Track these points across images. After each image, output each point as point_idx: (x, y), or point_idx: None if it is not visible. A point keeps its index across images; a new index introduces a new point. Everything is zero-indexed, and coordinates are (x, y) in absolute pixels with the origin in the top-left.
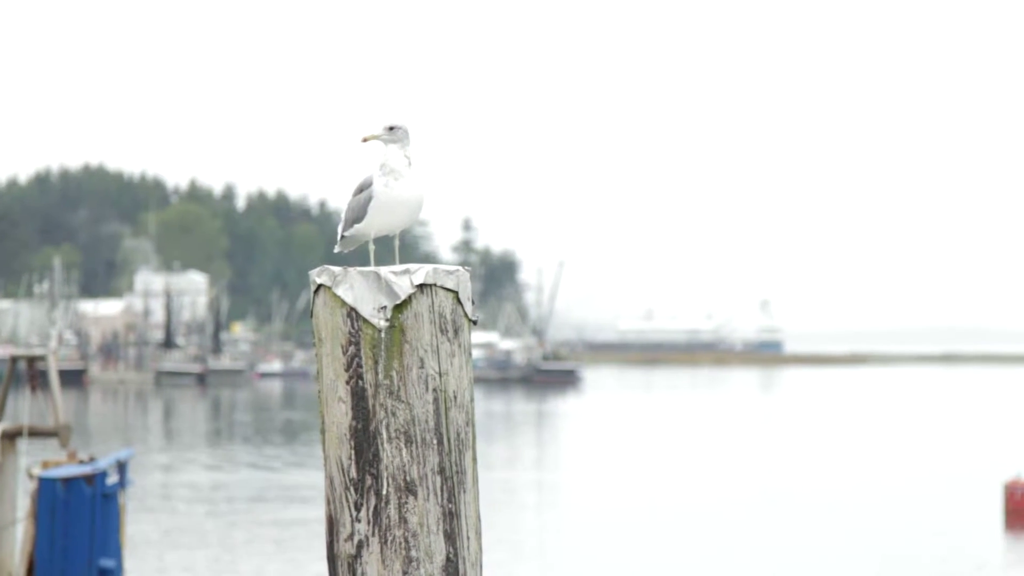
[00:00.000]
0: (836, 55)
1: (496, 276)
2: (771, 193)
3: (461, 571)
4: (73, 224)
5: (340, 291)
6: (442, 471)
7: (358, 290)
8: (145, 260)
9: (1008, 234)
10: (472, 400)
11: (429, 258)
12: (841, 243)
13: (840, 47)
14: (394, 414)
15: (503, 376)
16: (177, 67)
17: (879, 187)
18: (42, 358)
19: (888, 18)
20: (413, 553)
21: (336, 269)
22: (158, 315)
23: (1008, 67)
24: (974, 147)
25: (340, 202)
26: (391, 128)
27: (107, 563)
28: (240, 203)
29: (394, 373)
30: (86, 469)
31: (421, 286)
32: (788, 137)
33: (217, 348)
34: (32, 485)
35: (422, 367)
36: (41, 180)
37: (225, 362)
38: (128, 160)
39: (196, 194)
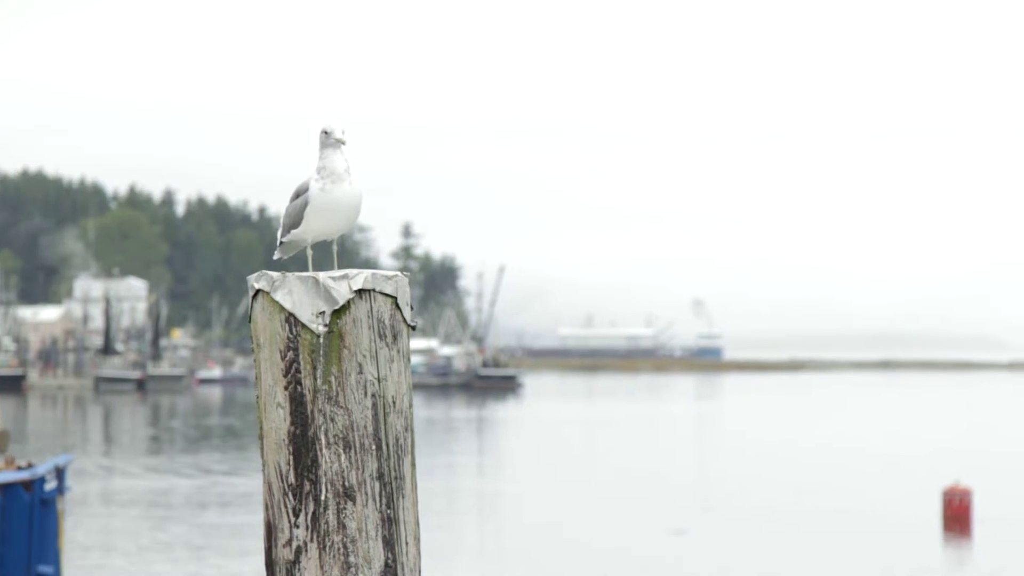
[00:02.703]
0: (762, 55)
1: (436, 282)
2: (710, 197)
3: None
4: (11, 229)
5: (278, 296)
6: (381, 477)
7: (296, 295)
8: (84, 266)
9: (946, 240)
10: (411, 406)
11: (369, 264)
12: (780, 248)
13: (768, 46)
14: (333, 419)
15: (443, 382)
16: (116, 71)
17: (818, 194)
18: None
19: (826, 24)
20: (352, 559)
21: (274, 274)
22: (97, 321)
23: (946, 65)
24: (912, 155)
25: (279, 208)
26: (342, 132)
27: (45, 569)
28: (179, 209)
29: (332, 378)
30: (24, 475)
31: (360, 291)
32: (726, 147)
33: (156, 354)
34: None
35: (361, 372)
36: None
37: (164, 368)
38: (67, 165)
39: (135, 200)
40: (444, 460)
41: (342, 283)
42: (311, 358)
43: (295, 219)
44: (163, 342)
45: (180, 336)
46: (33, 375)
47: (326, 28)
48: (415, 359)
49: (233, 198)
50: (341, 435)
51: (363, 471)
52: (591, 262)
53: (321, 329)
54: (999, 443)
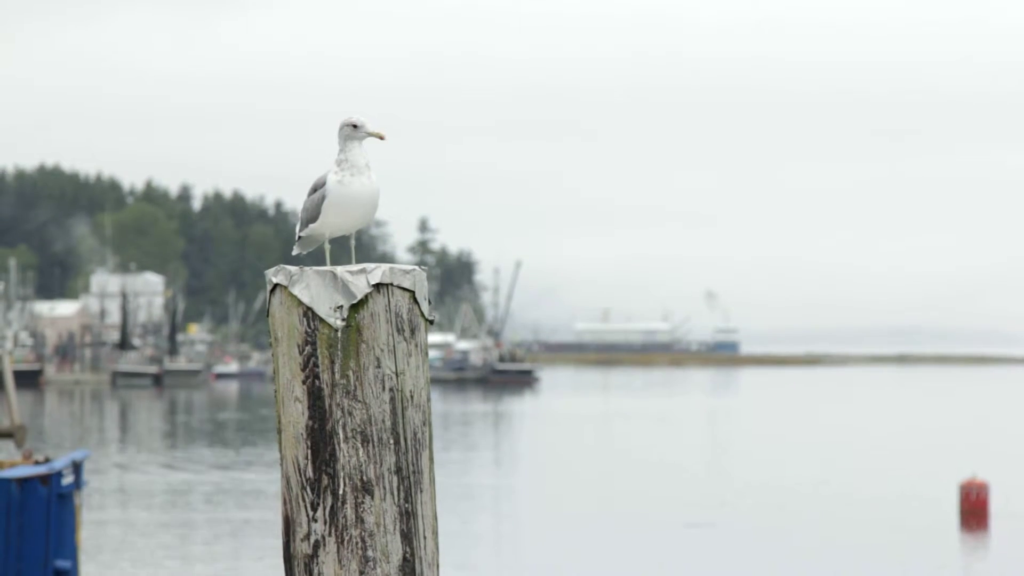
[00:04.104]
0: (772, 47)
1: (453, 277)
2: (726, 192)
3: (418, 571)
4: (29, 225)
5: (296, 290)
6: (399, 471)
7: (314, 289)
8: (101, 261)
9: (961, 235)
10: (429, 400)
11: (386, 258)
12: (797, 243)
13: (778, 39)
14: (350, 414)
15: (459, 377)
16: (132, 66)
17: (834, 188)
18: None
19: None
20: (370, 553)
21: (292, 268)
22: (114, 316)
23: (958, 60)
24: (927, 149)
25: (296, 203)
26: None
27: (63, 564)
28: (196, 204)
29: (351, 373)
30: (41, 470)
31: (377, 285)
32: (742, 141)
33: (173, 349)
34: None
35: (379, 367)
36: None
37: (181, 363)
38: (84, 160)
39: (152, 195)
40: (461, 454)
41: (360, 277)
42: (329, 352)
43: (313, 213)
44: (180, 337)
45: (197, 331)
46: (50, 370)
47: (342, 23)
48: (432, 353)
49: (249, 193)
50: (359, 429)
51: (381, 465)
52: (607, 256)
53: (339, 323)
54: (1015, 437)
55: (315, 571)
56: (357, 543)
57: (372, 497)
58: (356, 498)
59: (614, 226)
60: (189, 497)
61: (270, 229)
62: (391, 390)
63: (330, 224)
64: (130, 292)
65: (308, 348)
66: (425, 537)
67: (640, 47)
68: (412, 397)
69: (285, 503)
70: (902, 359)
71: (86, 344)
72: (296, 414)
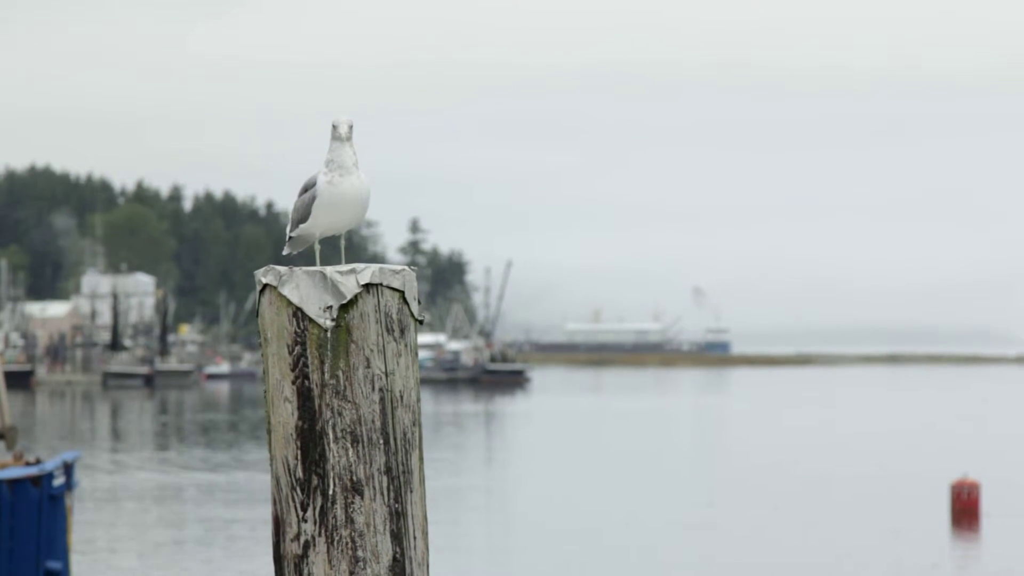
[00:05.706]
0: (765, 43)
1: (444, 277)
2: (717, 190)
3: (408, 571)
4: (19, 225)
5: (286, 291)
6: (389, 471)
7: (304, 290)
8: (92, 262)
9: (953, 234)
10: (419, 400)
11: (376, 259)
12: (788, 242)
13: (770, 36)
14: (340, 414)
15: (451, 377)
16: (123, 67)
17: (828, 187)
18: None
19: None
20: (360, 553)
21: (282, 269)
22: (105, 317)
23: (958, 56)
24: (920, 147)
25: (287, 203)
26: (350, 127)
27: (54, 565)
28: (187, 204)
29: (340, 373)
30: (33, 471)
31: (367, 286)
32: (734, 141)
33: (164, 350)
34: None
35: (368, 367)
36: None
37: (172, 364)
38: (75, 161)
39: (143, 195)
40: (452, 454)
41: (349, 277)
42: (319, 352)
43: (303, 213)
44: (171, 338)
45: (188, 332)
46: (41, 371)
47: (333, 23)
48: (423, 354)
49: (240, 193)
50: (349, 429)
51: (371, 465)
52: (598, 257)
53: (328, 323)
54: (1007, 437)
55: (305, 571)
56: (347, 543)
57: (362, 497)
58: (346, 498)
59: (605, 226)
60: (180, 497)
61: (261, 229)
62: (381, 390)
63: (320, 224)
64: (121, 293)
65: (298, 348)
66: (415, 537)
67: (628, 47)
68: (402, 397)
69: (275, 503)
70: (893, 359)
71: (77, 345)
72: (286, 414)
